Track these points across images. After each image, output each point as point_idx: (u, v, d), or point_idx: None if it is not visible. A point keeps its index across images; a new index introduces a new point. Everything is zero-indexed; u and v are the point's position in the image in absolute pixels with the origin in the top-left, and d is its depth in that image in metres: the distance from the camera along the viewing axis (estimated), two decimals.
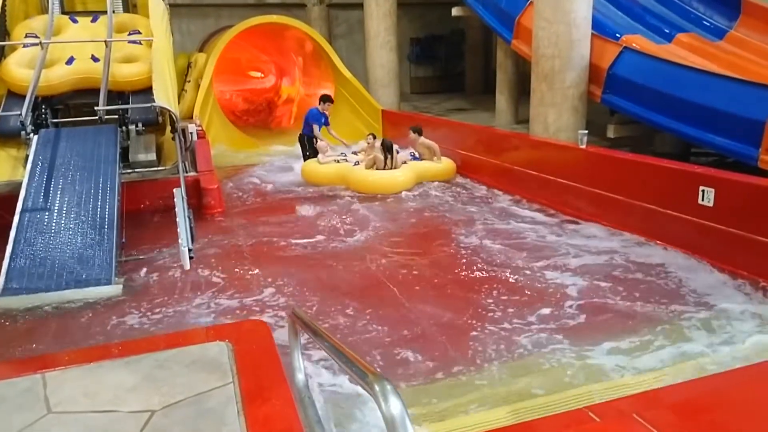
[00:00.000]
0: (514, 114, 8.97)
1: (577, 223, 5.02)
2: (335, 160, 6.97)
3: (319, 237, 4.93)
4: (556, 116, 6.13)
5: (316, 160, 7.02)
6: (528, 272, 4.02)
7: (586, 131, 5.15)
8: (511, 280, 3.92)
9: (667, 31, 7.83)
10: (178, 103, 10.22)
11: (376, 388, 1.21)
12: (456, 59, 14.09)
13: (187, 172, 5.69)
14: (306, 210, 5.75)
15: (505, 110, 9.00)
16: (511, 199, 5.94)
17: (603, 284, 3.78)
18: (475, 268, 4.14)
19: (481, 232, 4.89)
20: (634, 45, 7.25)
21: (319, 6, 12.63)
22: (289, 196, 6.53)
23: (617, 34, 7.59)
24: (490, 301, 3.60)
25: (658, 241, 4.38)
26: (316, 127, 7.36)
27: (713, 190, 3.99)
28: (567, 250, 4.40)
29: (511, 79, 8.86)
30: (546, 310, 3.43)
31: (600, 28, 7.79)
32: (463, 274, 4.06)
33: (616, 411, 1.98)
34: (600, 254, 4.31)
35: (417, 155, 7.13)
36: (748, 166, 4.64)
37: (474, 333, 3.20)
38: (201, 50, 10.96)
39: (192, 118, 8.11)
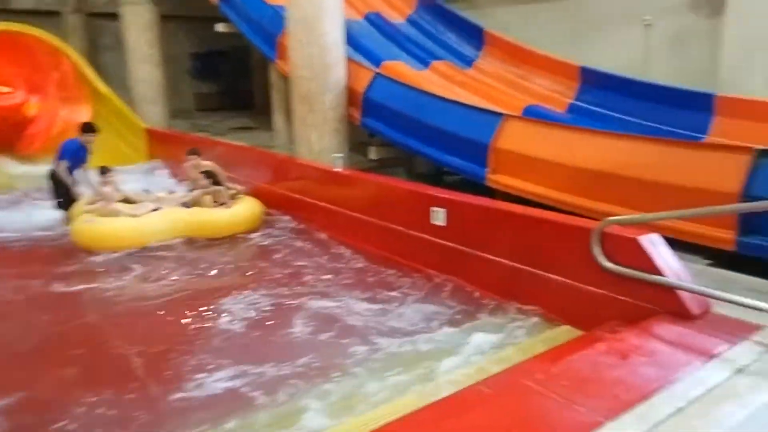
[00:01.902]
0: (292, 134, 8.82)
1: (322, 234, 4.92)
2: (153, 209, 5.22)
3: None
4: (319, 138, 6.05)
5: (115, 213, 5.04)
6: None
7: (341, 154, 5.10)
8: None
9: (425, 58, 8.36)
10: None
11: None
12: (242, 75, 13.60)
13: None
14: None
15: (282, 130, 8.79)
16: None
17: None
18: None
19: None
20: (390, 71, 7.54)
21: (76, 15, 11.17)
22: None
23: (381, 60, 7.88)
24: None
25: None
26: (63, 164, 5.61)
27: (444, 210, 4.14)
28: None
29: (285, 98, 8.67)
30: None
31: (366, 54, 8.05)
32: None
33: None
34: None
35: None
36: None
37: None
38: None
39: None
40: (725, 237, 3.65)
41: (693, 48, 7.68)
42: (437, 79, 7.87)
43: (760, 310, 2.65)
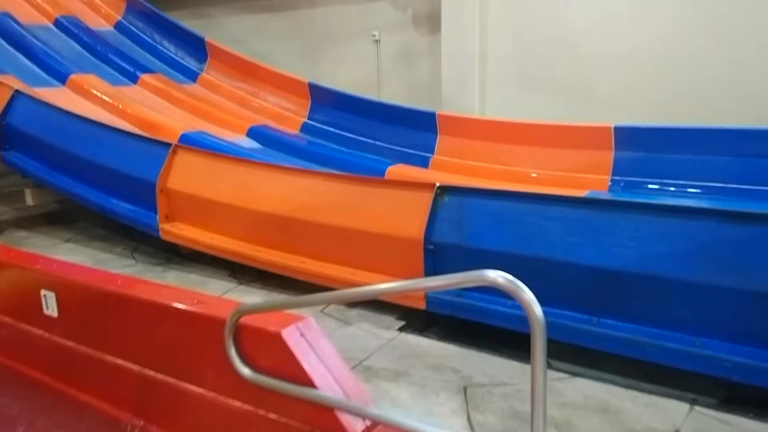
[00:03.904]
0: None
1: None
2: None
3: None
4: None
5: None
6: None
7: None
8: None
9: (133, 71, 6.80)
10: None
11: None
12: None
13: None
14: None
15: None
16: None
17: None
18: None
19: None
20: (77, 86, 5.94)
21: None
22: None
23: (70, 73, 6.18)
24: None
25: None
26: None
27: (54, 294, 2.74)
28: None
29: None
30: None
31: (48, 66, 6.25)
32: None
33: None
34: None
35: None
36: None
37: None
38: None
39: None
40: (414, 294, 2.90)
41: (419, 64, 7.40)
42: (144, 96, 6.41)
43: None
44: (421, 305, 2.88)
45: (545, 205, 2.65)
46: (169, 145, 3.71)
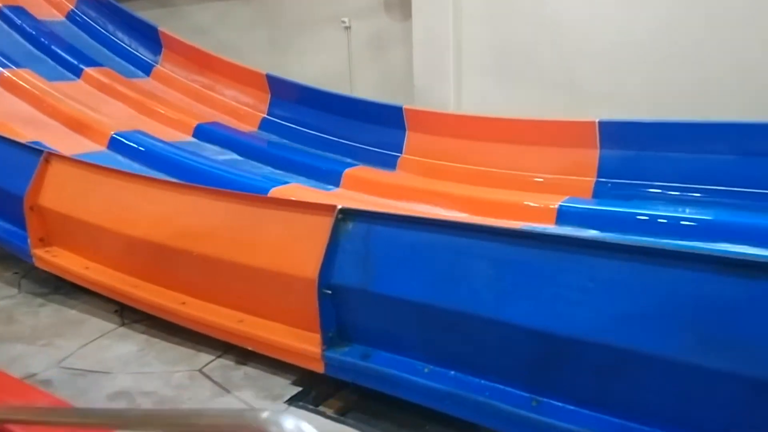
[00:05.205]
0: None
1: None
2: None
3: None
4: None
5: None
6: None
7: None
8: None
9: (77, 65, 6.14)
10: None
11: None
12: None
13: None
14: None
15: None
16: None
17: None
18: None
19: None
20: (7, 83, 5.32)
21: None
22: None
23: (3, 69, 5.57)
24: None
25: None
26: None
27: None
28: None
29: None
30: None
31: None
32: None
33: None
34: None
35: None
36: None
37: None
38: None
39: None
40: (312, 351, 2.17)
41: (393, 53, 6.62)
42: (84, 92, 5.78)
43: None
44: (319, 368, 2.16)
45: (470, 238, 1.91)
46: (39, 152, 3.01)
